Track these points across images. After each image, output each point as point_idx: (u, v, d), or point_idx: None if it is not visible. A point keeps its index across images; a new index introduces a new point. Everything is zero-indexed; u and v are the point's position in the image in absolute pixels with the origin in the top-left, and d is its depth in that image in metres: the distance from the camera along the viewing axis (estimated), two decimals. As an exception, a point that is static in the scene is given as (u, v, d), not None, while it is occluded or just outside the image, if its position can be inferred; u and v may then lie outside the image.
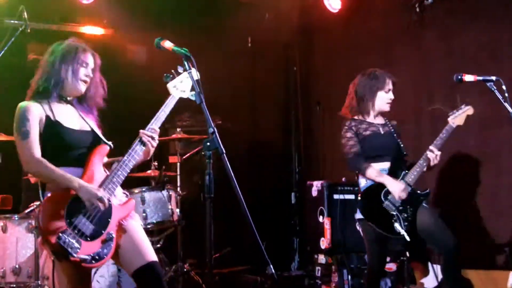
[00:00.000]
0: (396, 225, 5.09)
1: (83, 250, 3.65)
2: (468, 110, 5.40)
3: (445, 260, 5.24)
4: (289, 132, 9.59)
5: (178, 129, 7.32)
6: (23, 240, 5.83)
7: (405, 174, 5.29)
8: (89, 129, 4.03)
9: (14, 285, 5.85)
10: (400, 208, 5.16)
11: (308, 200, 7.59)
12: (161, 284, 3.88)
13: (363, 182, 5.37)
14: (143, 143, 3.94)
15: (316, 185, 7.27)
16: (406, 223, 5.12)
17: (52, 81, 3.98)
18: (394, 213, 5.15)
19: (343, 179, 7.37)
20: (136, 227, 3.96)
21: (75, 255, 3.61)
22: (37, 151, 3.83)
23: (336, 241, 6.96)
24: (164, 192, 6.49)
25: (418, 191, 5.28)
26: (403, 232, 5.05)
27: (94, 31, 8.40)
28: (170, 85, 4.03)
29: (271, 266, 3.79)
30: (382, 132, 5.46)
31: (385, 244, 5.30)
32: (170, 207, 6.52)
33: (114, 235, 3.78)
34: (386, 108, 5.52)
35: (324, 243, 7.01)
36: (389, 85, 5.51)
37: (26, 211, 5.85)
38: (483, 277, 6.49)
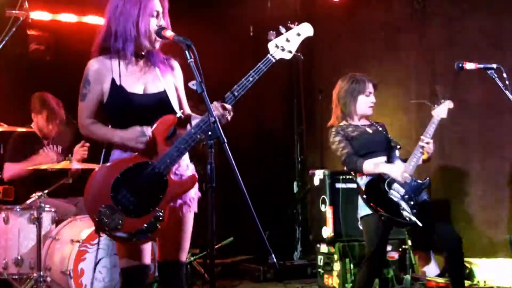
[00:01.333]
0: (405, 213, 5.04)
1: (127, 227, 3.49)
2: (448, 103, 5.39)
3: (448, 257, 5.19)
4: (291, 121, 9.57)
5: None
6: (25, 231, 5.82)
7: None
8: (160, 89, 3.76)
9: (16, 277, 5.85)
10: (406, 196, 5.12)
11: (310, 189, 7.58)
12: (179, 285, 3.80)
13: (362, 181, 5.34)
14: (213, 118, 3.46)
15: (318, 174, 7.26)
16: (414, 210, 5.07)
17: (119, 40, 3.70)
18: (400, 201, 5.11)
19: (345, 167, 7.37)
20: (189, 221, 3.85)
21: (115, 233, 3.49)
22: (89, 115, 3.68)
23: (339, 230, 6.96)
24: (166, 182, 6.47)
25: (419, 181, 5.24)
26: (414, 218, 4.99)
27: (96, 20, 8.36)
28: (271, 44, 3.79)
29: (273, 255, 3.78)
30: (370, 131, 5.47)
31: (387, 236, 5.24)
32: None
33: (163, 215, 3.54)
34: (369, 111, 5.55)
35: (326, 232, 7.01)
36: (370, 89, 5.55)
37: (28, 202, 5.84)
38: (484, 265, 6.50)
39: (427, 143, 5.17)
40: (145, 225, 3.51)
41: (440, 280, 6.65)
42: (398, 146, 5.36)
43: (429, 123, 5.26)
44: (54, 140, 6.62)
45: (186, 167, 3.84)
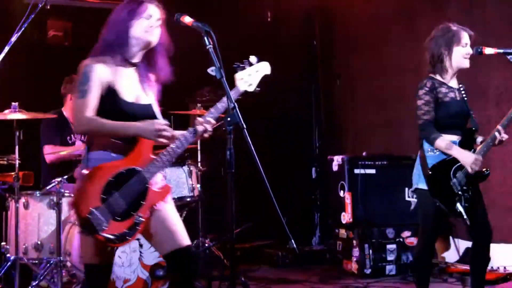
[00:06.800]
0: (458, 205, 4.89)
1: (110, 229, 3.63)
2: None
3: (474, 246, 5.10)
4: (310, 106, 9.55)
5: (198, 105, 7.30)
6: (45, 216, 5.85)
7: (473, 151, 4.98)
8: (146, 102, 3.88)
9: (36, 261, 5.90)
10: (464, 188, 4.94)
11: (329, 175, 7.58)
12: (193, 268, 3.86)
13: (429, 151, 5.02)
14: (196, 133, 3.81)
15: (337, 160, 7.25)
16: (466, 204, 4.92)
17: (114, 44, 3.82)
18: (459, 192, 4.93)
19: (364, 153, 7.35)
20: (170, 210, 3.87)
21: (102, 233, 3.61)
22: (90, 112, 3.71)
23: (357, 216, 6.96)
24: (185, 168, 6.48)
25: (482, 170, 5.01)
26: (464, 214, 4.87)
27: (115, 7, 8.35)
28: (237, 76, 3.91)
29: (293, 240, 3.78)
30: (458, 98, 5.11)
31: (441, 220, 5.09)
32: (190, 182, 6.52)
33: (143, 219, 3.71)
34: (465, 63, 5.10)
35: (345, 217, 7.01)
36: (466, 39, 5.09)
37: (48, 187, 5.87)
38: (503, 250, 6.47)
39: (501, 134, 4.92)
40: (127, 228, 3.68)
41: (460, 266, 6.65)
42: (475, 128, 5.09)
43: (507, 114, 4.96)
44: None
45: (159, 176, 3.94)
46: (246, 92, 3.96)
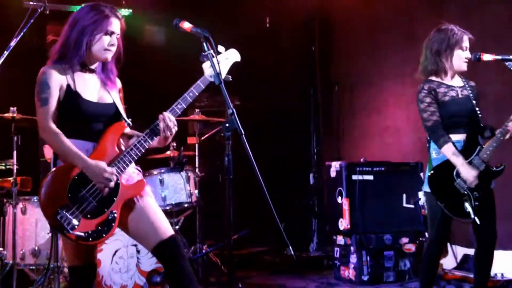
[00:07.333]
0: (467, 204, 4.84)
1: (82, 227, 3.62)
2: None
3: (478, 249, 5.05)
4: (308, 112, 9.55)
5: (197, 110, 7.31)
6: (42, 222, 5.84)
7: (480, 149, 4.94)
8: (110, 101, 3.92)
9: (33, 267, 5.90)
10: (472, 186, 4.89)
11: (326, 181, 7.57)
12: (180, 257, 3.83)
13: (434, 154, 5.03)
14: (155, 132, 3.84)
15: (335, 166, 7.24)
16: (476, 203, 4.87)
17: (72, 51, 3.86)
18: (466, 192, 4.88)
19: (362, 159, 7.34)
20: (150, 203, 3.88)
21: (71, 231, 3.59)
22: (52, 119, 3.76)
23: (355, 222, 6.95)
24: (183, 174, 6.49)
25: (493, 168, 4.97)
26: (473, 214, 4.83)
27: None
28: (205, 65, 3.87)
29: (290, 247, 3.77)
30: (461, 96, 5.07)
31: (449, 223, 5.03)
32: (188, 188, 6.52)
33: (117, 215, 3.72)
34: (464, 67, 5.09)
35: (342, 224, 7.00)
36: (466, 42, 5.08)
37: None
38: (501, 257, 6.46)
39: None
40: (101, 225, 3.68)
41: (458, 273, 6.63)
42: (482, 125, 5.01)
43: None
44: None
45: (133, 171, 3.96)
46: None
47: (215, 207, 6.84)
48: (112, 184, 3.69)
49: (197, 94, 3.89)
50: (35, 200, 5.91)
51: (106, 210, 3.70)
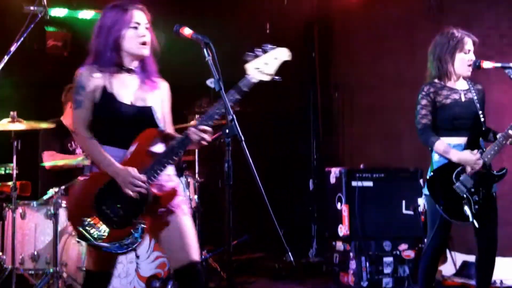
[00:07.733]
0: (466, 208, 4.79)
1: (108, 237, 3.56)
2: None
3: (479, 256, 5.02)
4: (308, 118, 9.54)
5: (197, 116, 7.31)
6: (42, 227, 5.84)
7: (481, 152, 4.88)
8: (146, 104, 3.83)
9: (33, 272, 5.89)
10: (472, 190, 4.85)
11: (326, 187, 7.57)
12: (198, 286, 3.79)
13: (436, 157, 4.98)
14: (187, 142, 3.72)
15: (334, 172, 7.24)
16: (476, 206, 4.83)
17: (103, 54, 3.79)
18: (465, 195, 4.84)
19: (361, 165, 7.35)
20: (183, 220, 3.78)
21: (95, 242, 3.56)
22: (86, 123, 3.72)
23: (354, 228, 6.95)
24: (182, 179, 6.48)
25: (494, 171, 4.93)
26: (471, 218, 4.78)
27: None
28: (250, 66, 3.75)
29: (290, 253, 3.77)
30: (464, 99, 5.02)
31: (449, 227, 5.00)
32: (188, 194, 6.52)
33: (144, 226, 3.59)
34: (467, 71, 5.04)
35: (342, 230, 7.00)
36: (469, 45, 5.03)
37: (45, 197, 5.87)
38: (501, 264, 6.46)
39: None
40: (128, 236, 3.58)
41: (457, 279, 6.63)
42: (484, 128, 5.00)
43: None
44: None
45: (168, 178, 3.85)
46: (261, 81, 3.77)
47: (215, 212, 6.82)
48: (142, 190, 3.61)
49: (238, 97, 3.77)
50: (35, 205, 5.90)
51: (134, 220, 3.60)
